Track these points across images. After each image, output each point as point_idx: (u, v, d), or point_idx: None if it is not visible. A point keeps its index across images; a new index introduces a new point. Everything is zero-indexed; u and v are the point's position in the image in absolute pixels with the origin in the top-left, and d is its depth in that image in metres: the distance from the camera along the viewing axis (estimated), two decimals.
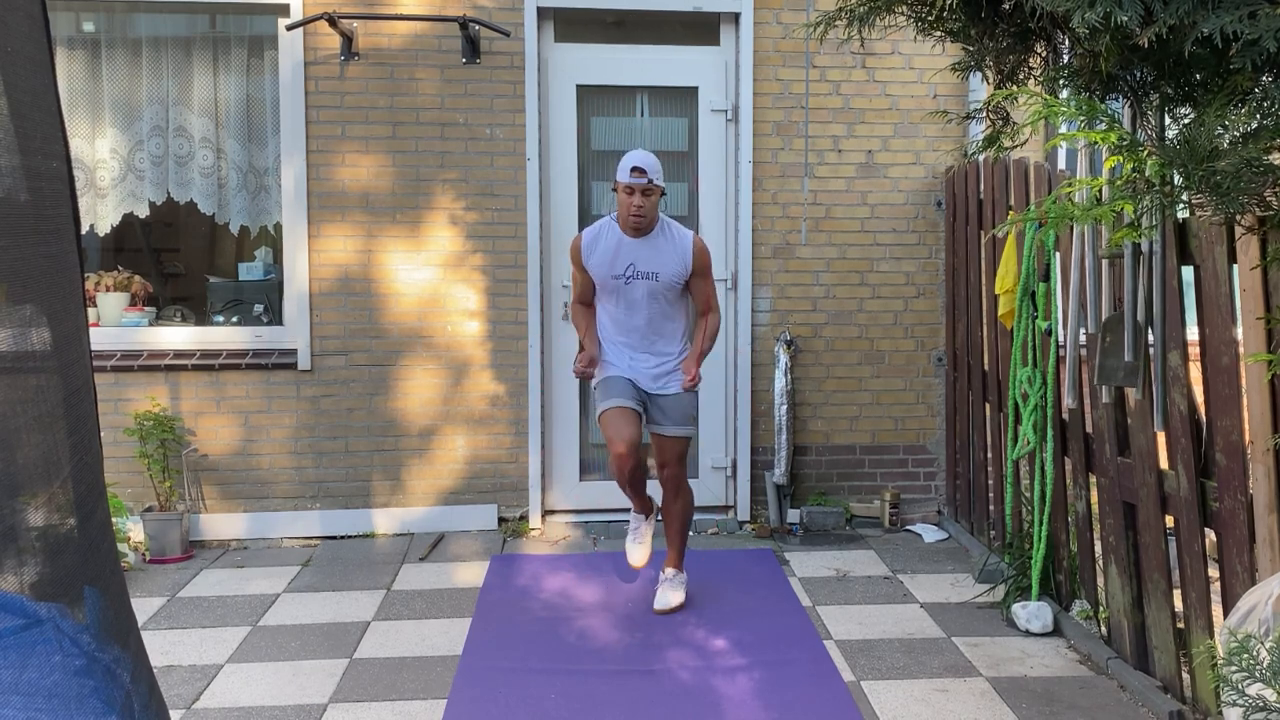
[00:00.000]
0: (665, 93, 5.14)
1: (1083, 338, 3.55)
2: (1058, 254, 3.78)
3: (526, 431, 5.05)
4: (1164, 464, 3.18)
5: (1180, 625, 3.13)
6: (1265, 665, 1.66)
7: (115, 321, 4.91)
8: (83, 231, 1.64)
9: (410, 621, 3.90)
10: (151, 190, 4.93)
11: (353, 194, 4.92)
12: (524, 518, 5.07)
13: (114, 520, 2.11)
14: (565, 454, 5.15)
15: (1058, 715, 3.11)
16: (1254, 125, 2.00)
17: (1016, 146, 2.77)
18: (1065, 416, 3.76)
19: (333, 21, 4.68)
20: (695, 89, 5.11)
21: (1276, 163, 2.02)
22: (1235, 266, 2.74)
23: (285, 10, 4.81)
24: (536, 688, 3.28)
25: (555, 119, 5.04)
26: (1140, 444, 3.25)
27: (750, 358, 5.12)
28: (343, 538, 4.96)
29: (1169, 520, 3.18)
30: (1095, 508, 3.66)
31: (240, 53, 4.96)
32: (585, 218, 5.05)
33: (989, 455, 4.59)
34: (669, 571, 4.02)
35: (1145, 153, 2.22)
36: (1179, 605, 3.13)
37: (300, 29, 4.79)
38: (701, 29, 5.14)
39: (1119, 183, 2.37)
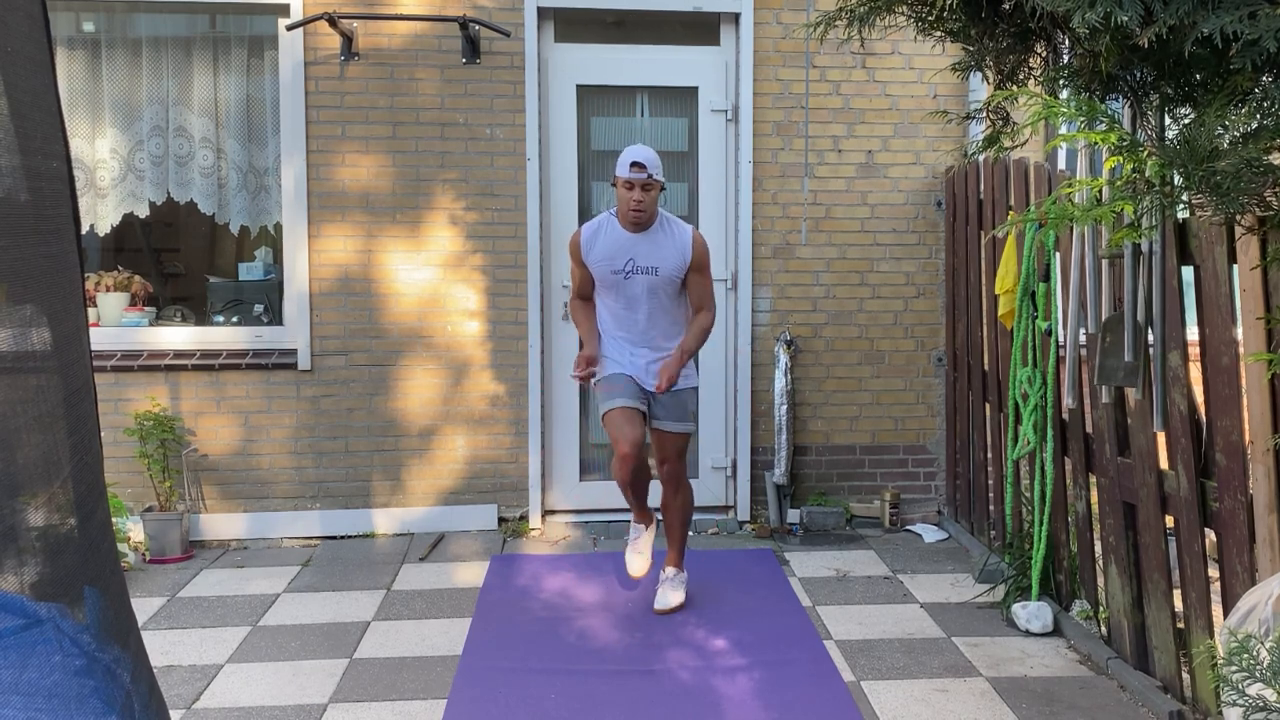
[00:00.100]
0: (665, 93, 5.14)
1: (1083, 338, 3.55)
2: (1058, 254, 3.78)
3: (526, 431, 5.05)
4: (1164, 464, 3.18)
5: (1180, 625, 3.14)
6: (1265, 665, 1.66)
7: (115, 321, 4.91)
8: (83, 231, 1.64)
9: (410, 621, 3.90)
10: (151, 190, 4.93)
11: (353, 194, 4.92)
12: (524, 518, 5.07)
13: (114, 520, 2.11)
14: (565, 454, 5.15)
15: (1058, 715, 3.11)
16: (1254, 125, 2.00)
17: (1016, 147, 2.77)
18: (1065, 416, 3.76)
19: (333, 21, 4.68)
20: (695, 89, 5.11)
21: (1276, 163, 2.02)
22: (1235, 266, 2.74)
23: (285, 10, 4.81)
24: (536, 688, 3.28)
25: (555, 119, 5.04)
26: (1140, 444, 3.25)
27: (750, 358, 5.12)
28: (343, 538, 4.96)
29: (1169, 520, 3.18)
30: (1095, 508, 3.66)
31: (240, 53, 4.96)
32: (585, 218, 5.04)
33: (989, 455, 4.59)
34: (669, 571, 4.02)
35: (1145, 153, 2.22)
36: (1179, 605, 3.13)
37: (300, 29, 4.79)
38: (701, 29, 5.14)
39: (1119, 183, 2.37)
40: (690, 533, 5.00)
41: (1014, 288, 3.96)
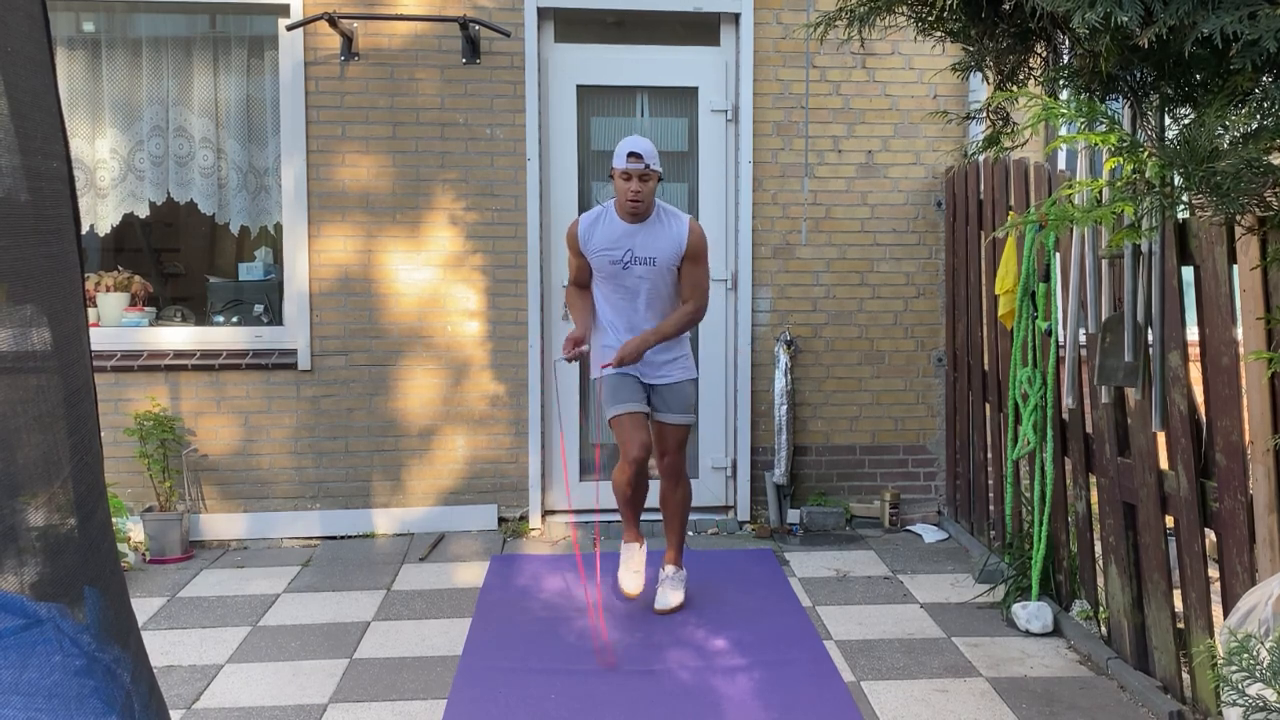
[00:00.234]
0: (665, 93, 5.14)
1: (1083, 338, 3.55)
2: (1058, 254, 3.78)
3: (526, 431, 5.05)
4: (1164, 464, 3.18)
5: (1180, 625, 3.13)
6: (1265, 665, 1.66)
7: (115, 321, 4.91)
8: (83, 231, 1.64)
9: (410, 621, 3.90)
10: (151, 190, 4.93)
11: (353, 194, 4.92)
12: (524, 518, 5.07)
13: (114, 520, 2.11)
14: (565, 454, 5.14)
15: (1058, 715, 3.11)
16: (1254, 126, 2.00)
17: (1017, 147, 2.77)
18: (1065, 416, 3.76)
19: (333, 21, 4.68)
20: (695, 89, 5.11)
21: (1276, 163, 2.02)
22: (1235, 267, 2.74)
23: (285, 10, 4.81)
24: (536, 688, 3.28)
25: (555, 119, 5.04)
26: (1140, 444, 3.25)
27: (750, 358, 5.12)
28: (343, 538, 4.96)
29: (1169, 520, 3.18)
30: (1095, 508, 3.66)
31: (240, 53, 4.96)
32: None
33: (989, 455, 4.59)
34: (669, 569, 4.02)
35: (1145, 154, 2.22)
36: (1179, 605, 3.13)
37: (300, 29, 4.79)
38: (701, 29, 5.14)
39: (1119, 184, 2.37)
40: (690, 533, 5.01)
41: (1014, 288, 3.96)
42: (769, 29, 5.05)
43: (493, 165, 4.97)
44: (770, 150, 5.09)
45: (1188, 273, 3.00)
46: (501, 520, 5.06)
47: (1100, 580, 3.68)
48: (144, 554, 4.66)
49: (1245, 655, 1.67)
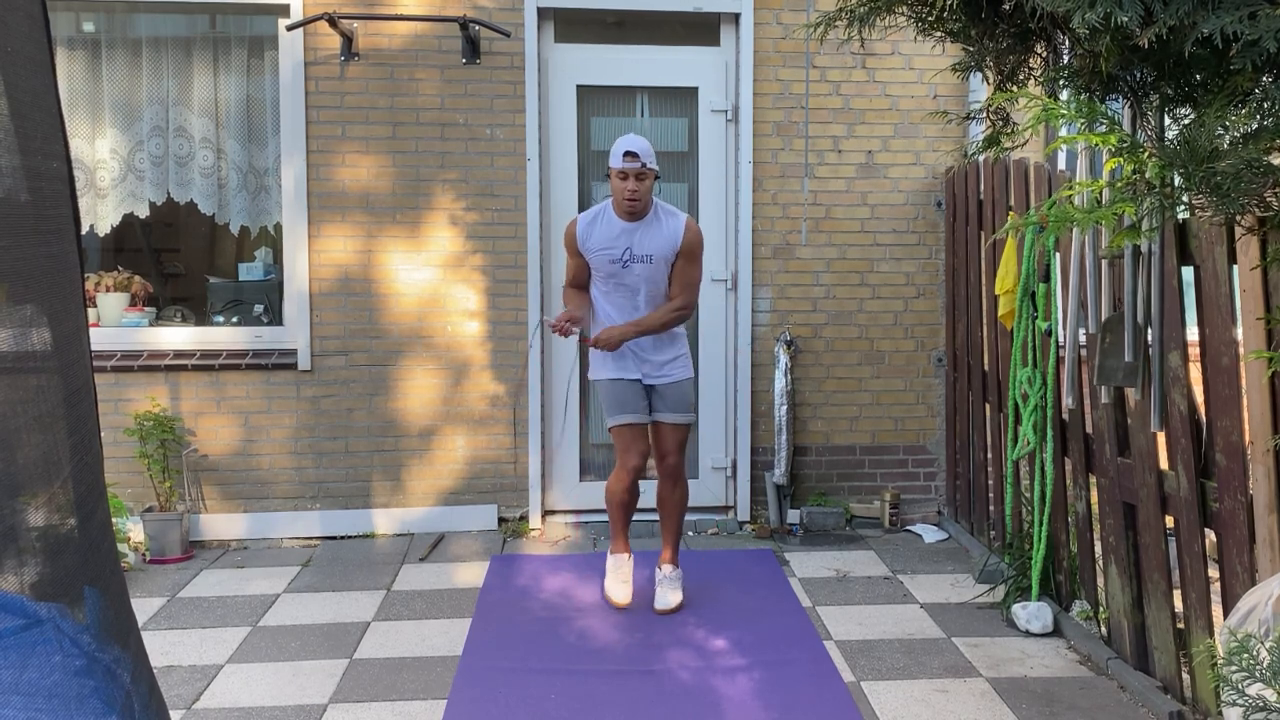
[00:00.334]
0: (665, 93, 5.14)
1: (1083, 338, 3.55)
2: (1058, 254, 3.78)
3: (526, 431, 5.05)
4: (1164, 464, 3.18)
5: (1180, 625, 3.13)
6: (1265, 665, 1.66)
7: (115, 322, 4.91)
8: (83, 231, 1.64)
9: (410, 622, 3.90)
10: (151, 190, 4.93)
11: (353, 194, 4.92)
12: (524, 518, 5.07)
13: (114, 520, 2.11)
14: (565, 454, 5.15)
15: (1058, 716, 3.11)
16: (1254, 126, 2.00)
17: (1017, 147, 2.77)
18: (1065, 417, 3.76)
19: (333, 22, 4.68)
20: (695, 89, 5.11)
21: (1276, 163, 2.02)
22: (1235, 267, 2.74)
23: (285, 10, 4.81)
24: (536, 688, 3.28)
25: (555, 119, 5.04)
26: (1140, 444, 3.25)
27: (750, 358, 5.12)
28: (343, 538, 4.96)
29: (1169, 520, 3.18)
30: (1095, 508, 3.66)
31: (240, 53, 4.96)
32: None
33: (989, 455, 4.59)
34: (666, 569, 4.02)
35: (1145, 154, 2.22)
36: (1179, 605, 3.13)
37: (300, 29, 4.79)
38: (701, 29, 5.14)
39: (1119, 185, 2.37)
40: (690, 533, 5.01)
41: (1014, 288, 3.96)
42: (769, 29, 5.05)
43: (493, 165, 4.97)
44: (770, 150, 5.09)
45: (1188, 273, 3.01)
46: (501, 520, 5.06)
47: (1100, 580, 3.68)
48: (144, 554, 4.65)
49: (1245, 655, 1.67)
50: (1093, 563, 3.72)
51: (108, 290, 4.93)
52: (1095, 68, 2.17)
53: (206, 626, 3.86)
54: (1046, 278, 3.80)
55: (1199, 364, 2.95)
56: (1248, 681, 1.67)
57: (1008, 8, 2.44)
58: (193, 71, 4.93)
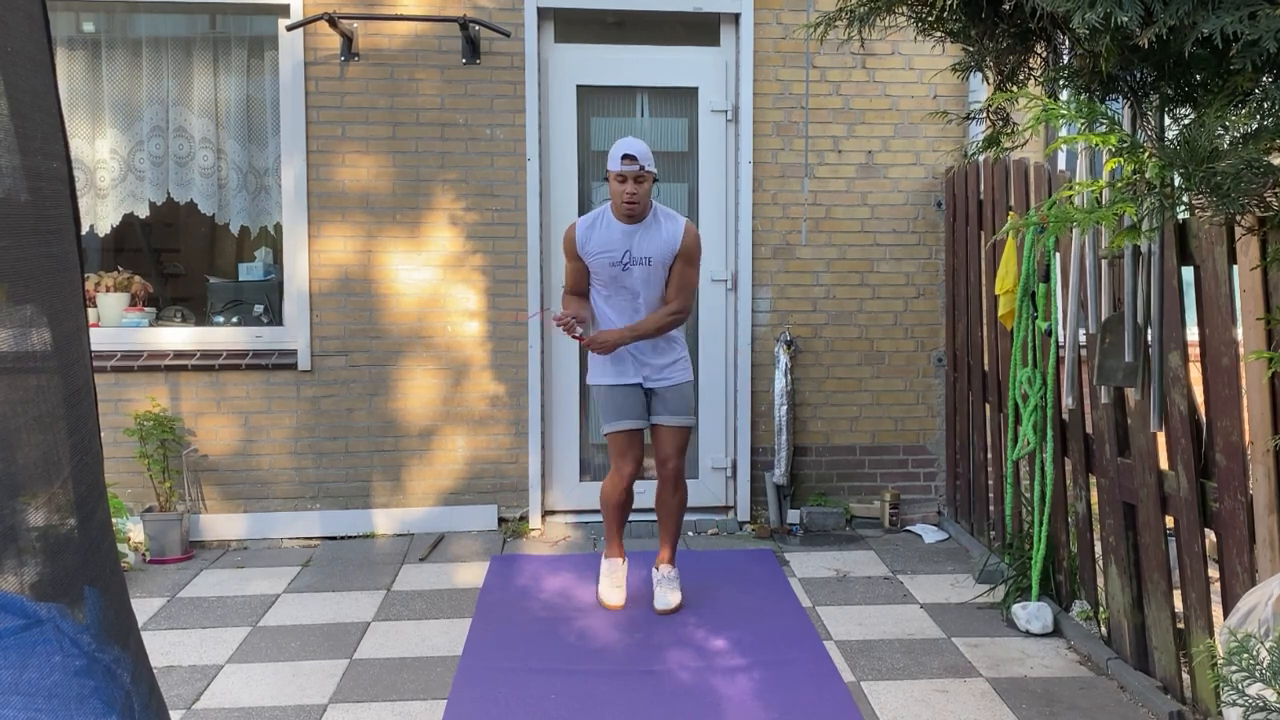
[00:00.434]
0: (665, 93, 5.14)
1: (1083, 338, 3.55)
2: (1058, 254, 3.78)
3: (526, 432, 5.05)
4: (1164, 464, 3.18)
5: (1180, 625, 3.13)
6: (1265, 665, 1.66)
7: (115, 322, 4.91)
8: (83, 231, 1.64)
9: (410, 622, 3.90)
10: (151, 190, 4.93)
11: (353, 194, 4.92)
12: (524, 518, 5.07)
13: (114, 520, 2.11)
14: (565, 454, 5.15)
15: (1058, 716, 3.11)
16: (1254, 126, 2.00)
17: (1017, 147, 2.77)
18: (1065, 417, 3.76)
19: (333, 22, 4.68)
20: (695, 89, 5.11)
21: (1276, 163, 2.02)
22: (1235, 267, 2.74)
23: (285, 10, 4.81)
24: (536, 688, 3.28)
25: (555, 119, 5.04)
26: (1140, 444, 3.25)
27: (750, 358, 5.12)
28: (343, 538, 4.96)
29: (1169, 521, 3.18)
30: (1095, 508, 3.66)
31: (240, 53, 4.96)
32: None
33: (989, 455, 4.59)
34: (664, 569, 4.02)
35: (1145, 154, 2.22)
36: (1179, 605, 3.13)
37: (300, 29, 4.79)
38: (701, 29, 5.14)
39: (1119, 185, 2.37)
40: (690, 533, 5.01)
41: (1014, 288, 3.96)
42: (769, 29, 5.05)
43: (493, 165, 4.97)
44: (770, 150, 5.09)
45: (1188, 273, 3.01)
46: (501, 520, 5.06)
47: (1100, 580, 3.68)
48: (144, 554, 4.65)
49: (1245, 655, 1.67)
50: (1093, 563, 3.72)
51: (108, 290, 4.93)
52: (1095, 68, 2.17)
53: (206, 626, 3.86)
54: (1046, 278, 3.80)
55: (1199, 364, 2.95)
56: (1248, 681, 1.67)
57: (1008, 8, 2.44)
58: (193, 71, 4.93)
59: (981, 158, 4.51)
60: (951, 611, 3.99)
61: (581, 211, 5.08)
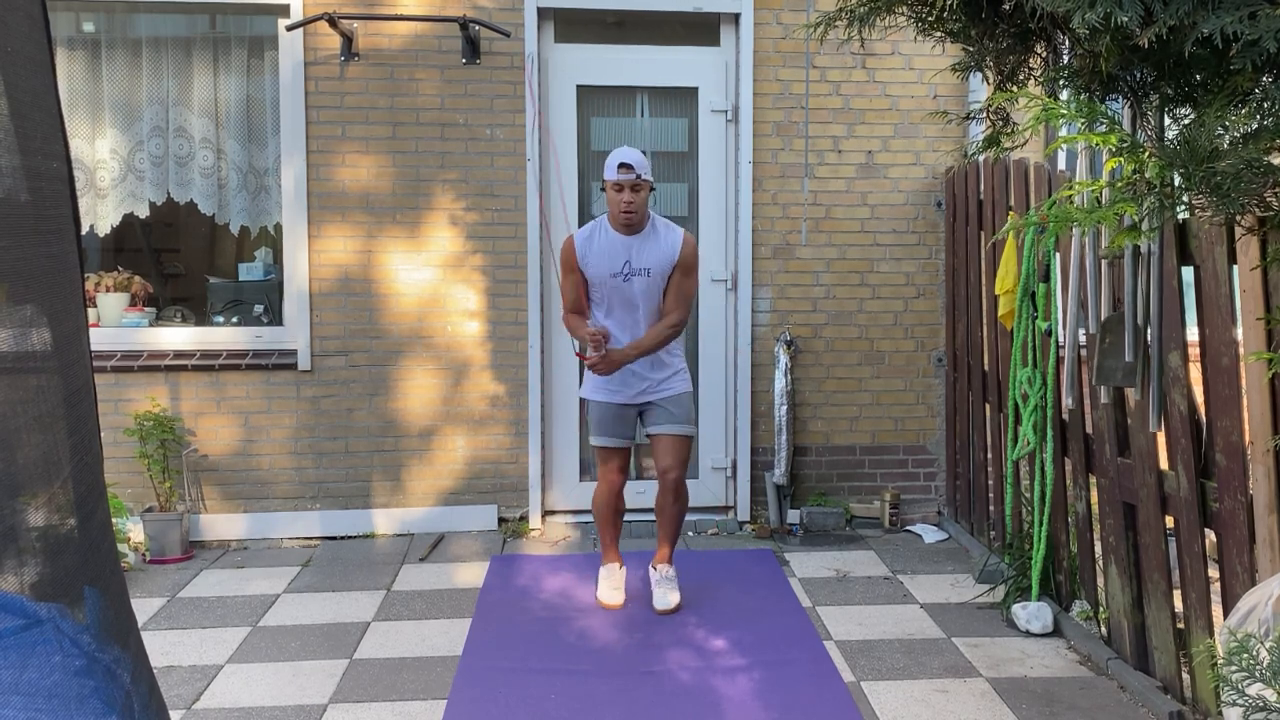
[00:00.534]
0: (665, 93, 5.14)
1: (1083, 338, 3.55)
2: (1057, 254, 3.78)
3: (526, 432, 5.05)
4: (1164, 464, 3.18)
5: (1180, 625, 3.13)
6: (1265, 665, 1.66)
7: (115, 322, 4.91)
8: (83, 231, 1.64)
9: (410, 622, 3.90)
10: (151, 190, 4.93)
11: (353, 194, 4.92)
12: (524, 518, 5.07)
13: (114, 520, 2.11)
14: (565, 454, 5.15)
15: (1058, 716, 3.11)
16: (1254, 126, 2.00)
17: (1017, 147, 2.77)
18: (1065, 417, 3.76)
19: (333, 22, 4.68)
20: (695, 89, 5.11)
21: (1276, 163, 2.02)
22: (1235, 267, 2.74)
23: (285, 10, 4.81)
24: (536, 688, 3.28)
25: (555, 119, 5.04)
26: (1140, 444, 3.25)
27: (750, 358, 5.12)
28: (343, 538, 4.96)
29: (1169, 521, 3.18)
30: (1095, 508, 3.66)
31: (240, 53, 4.96)
32: (585, 218, 5.05)
33: (989, 455, 4.59)
34: (663, 569, 4.03)
35: (1145, 154, 2.21)
36: (1179, 605, 3.13)
37: (300, 29, 4.79)
38: (701, 29, 5.14)
39: (1119, 185, 2.37)
40: (690, 533, 5.01)
41: (1014, 288, 3.96)
42: (769, 29, 5.05)
43: (493, 165, 4.97)
44: (770, 150, 5.09)
45: (1188, 273, 3.01)
46: (501, 520, 5.06)
47: (1100, 580, 3.68)
48: (144, 554, 4.65)
49: (1245, 655, 1.67)
50: (1093, 563, 3.72)
51: (108, 290, 4.93)
52: (1095, 68, 2.17)
53: (206, 626, 3.86)
54: (1046, 278, 3.80)
55: (1199, 364, 2.95)
56: (1248, 681, 1.67)
57: (1008, 8, 2.44)
58: (193, 72, 4.93)
59: (981, 158, 4.51)
60: (951, 611, 3.99)
61: (581, 211, 5.08)
